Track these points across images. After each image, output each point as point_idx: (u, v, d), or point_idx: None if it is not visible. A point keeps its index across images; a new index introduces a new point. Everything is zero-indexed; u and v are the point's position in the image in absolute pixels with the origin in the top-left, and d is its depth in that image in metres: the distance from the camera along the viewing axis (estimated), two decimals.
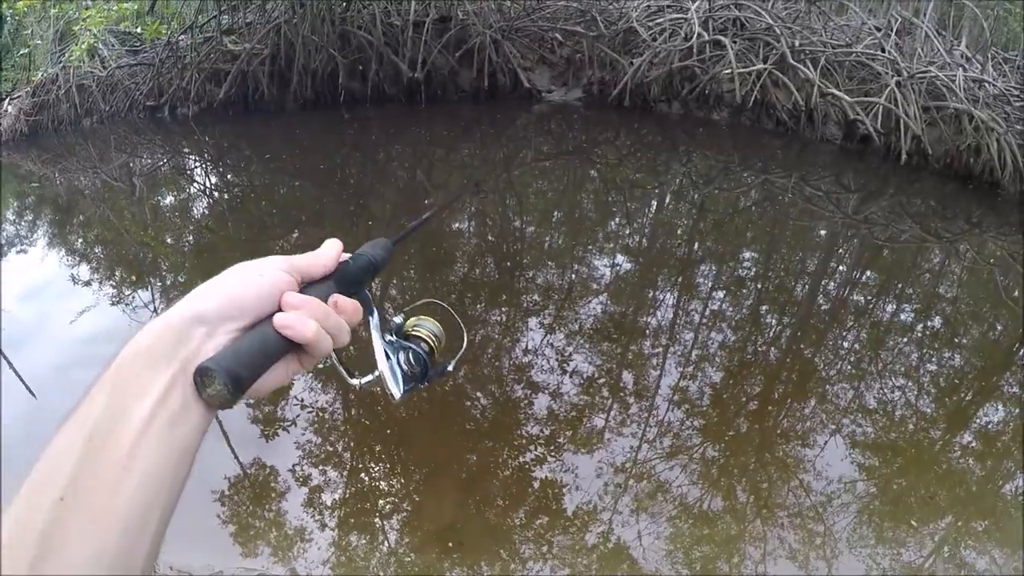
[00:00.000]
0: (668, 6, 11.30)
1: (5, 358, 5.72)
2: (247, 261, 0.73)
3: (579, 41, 11.71)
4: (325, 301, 0.73)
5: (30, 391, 5.33)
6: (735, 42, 9.70)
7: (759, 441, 3.80)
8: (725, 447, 3.79)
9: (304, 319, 0.68)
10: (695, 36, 9.97)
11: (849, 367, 4.56)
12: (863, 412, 4.03)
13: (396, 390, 0.81)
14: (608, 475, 3.65)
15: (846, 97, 8.46)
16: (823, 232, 6.87)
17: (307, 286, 0.74)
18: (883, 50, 8.99)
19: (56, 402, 5.12)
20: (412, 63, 11.82)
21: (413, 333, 0.87)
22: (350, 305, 0.76)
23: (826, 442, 3.75)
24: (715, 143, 9.52)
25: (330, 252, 0.79)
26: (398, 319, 0.88)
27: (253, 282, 0.70)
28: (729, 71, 9.38)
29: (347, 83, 12.46)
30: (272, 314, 0.69)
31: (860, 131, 8.45)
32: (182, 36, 13.28)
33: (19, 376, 5.57)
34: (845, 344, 4.88)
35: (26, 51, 16.69)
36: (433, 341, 0.87)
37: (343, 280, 0.78)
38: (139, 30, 14.68)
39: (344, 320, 0.74)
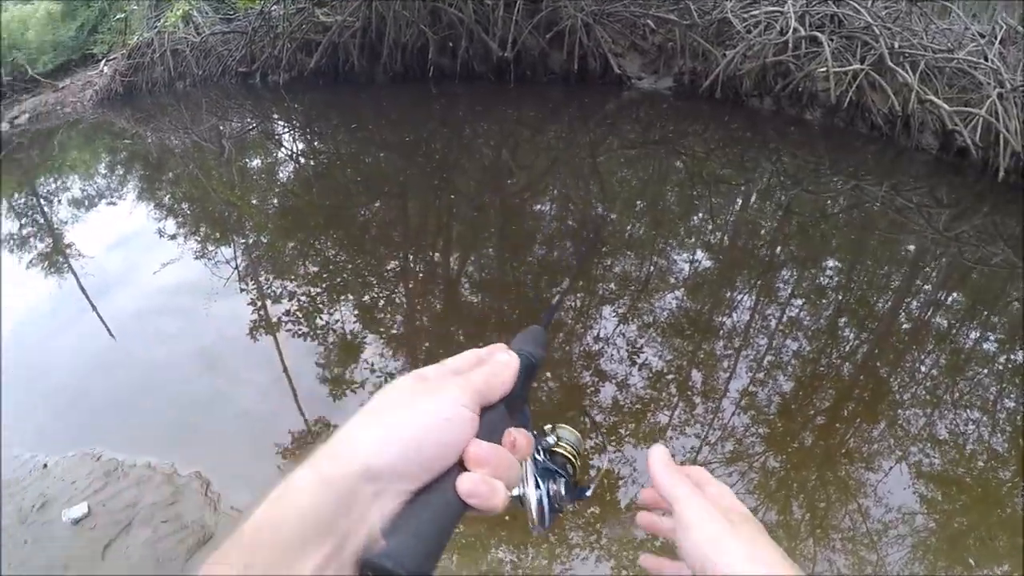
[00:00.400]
0: None
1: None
2: (418, 384, 0.61)
3: (671, 29, 11.55)
4: (501, 439, 0.62)
5: (110, 332, 5.65)
6: (832, 39, 9.41)
7: (822, 458, 3.72)
8: (787, 459, 3.73)
9: (494, 486, 0.57)
10: (791, 31, 9.72)
11: (924, 392, 4.40)
12: (933, 442, 3.90)
13: (542, 524, 0.69)
14: None
15: (945, 105, 8.10)
16: (911, 247, 6.58)
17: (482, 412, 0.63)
18: (986, 58, 8.57)
19: (133, 345, 5.45)
20: (502, 42, 11.84)
21: (557, 450, 0.76)
22: (524, 441, 0.64)
23: (891, 468, 3.64)
24: (806, 143, 9.26)
25: (510, 367, 0.66)
26: (550, 439, 0.76)
27: (437, 429, 0.57)
28: (824, 69, 9.11)
29: (437, 59, 12.56)
30: (451, 467, 0.58)
31: (957, 143, 8.04)
32: (275, 6, 13.59)
33: (101, 318, 5.92)
34: (922, 368, 4.70)
35: (123, 16, 17.35)
36: (575, 458, 0.76)
37: (511, 397, 0.67)
38: None
39: (518, 459, 0.63)
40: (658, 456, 0.78)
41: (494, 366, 0.65)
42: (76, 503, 3.81)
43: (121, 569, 3.37)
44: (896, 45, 8.90)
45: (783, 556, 0.68)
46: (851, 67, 9.02)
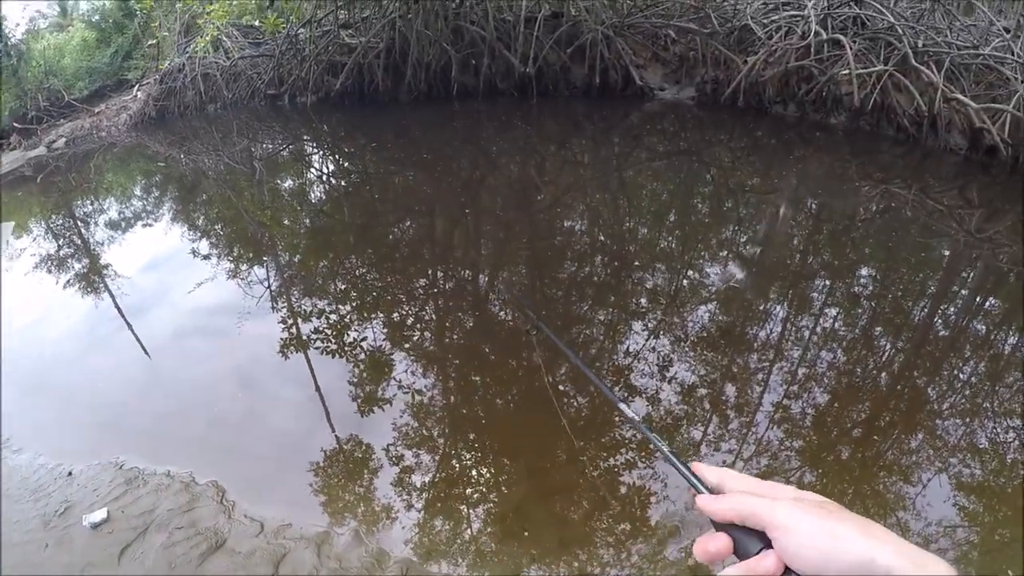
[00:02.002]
0: (785, 3, 11.02)
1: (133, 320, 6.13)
2: None
3: (693, 38, 11.57)
4: None
5: (146, 352, 5.81)
6: (855, 41, 9.36)
7: (859, 471, 3.67)
8: (823, 473, 3.69)
9: None
10: (812, 34, 9.70)
11: (963, 401, 4.30)
12: (973, 452, 3.81)
13: None
14: None
15: (972, 103, 7.99)
16: (944, 251, 6.48)
17: None
18: (1013, 53, 8.46)
19: (167, 364, 5.59)
20: (524, 58, 11.95)
21: None
22: None
23: (929, 480, 3.58)
24: (832, 148, 9.17)
25: None
26: None
27: None
28: (847, 72, 9.06)
29: (459, 77, 12.69)
30: None
31: (986, 141, 7.92)
32: (301, 29, 13.82)
33: (137, 338, 6.08)
34: (961, 376, 4.59)
35: (154, 42, 17.80)
36: None
37: None
38: (259, 23, 15.45)
39: None
40: (706, 499, 0.80)
41: None
42: (97, 509, 3.97)
43: (136, 572, 3.49)
44: (920, 44, 8.82)
45: (892, 533, 0.69)
46: (875, 68, 8.97)
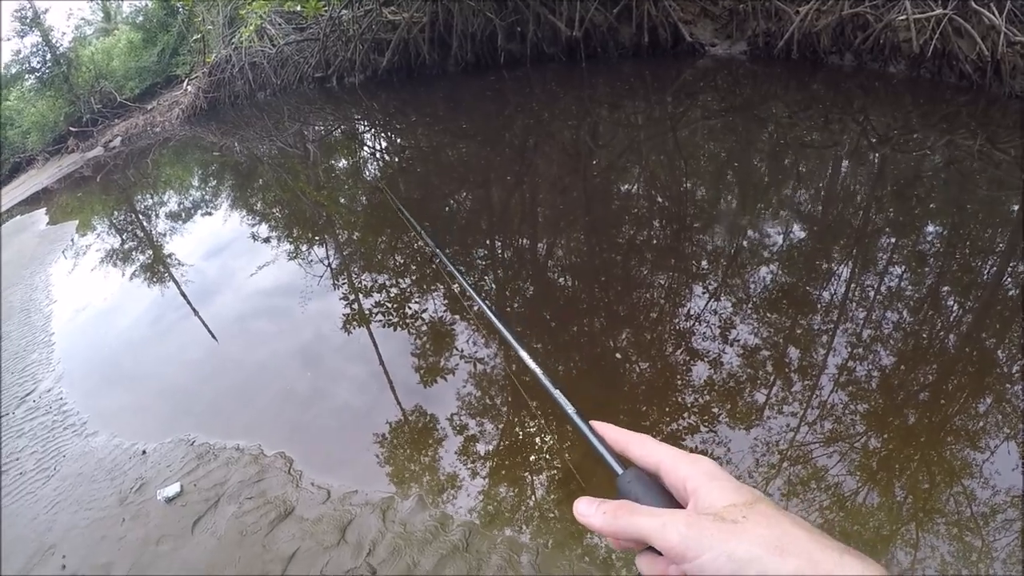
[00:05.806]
0: None
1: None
2: None
3: None
4: None
5: (212, 336, 6.10)
6: None
7: (926, 437, 3.59)
8: (888, 439, 3.60)
9: None
10: None
11: None
12: None
13: None
14: (762, 453, 3.61)
15: None
16: (1014, 205, 6.09)
17: None
18: None
19: (234, 346, 5.87)
20: (569, 21, 11.82)
21: None
22: None
23: (998, 447, 3.45)
24: (892, 99, 8.87)
25: None
26: None
27: None
28: (904, 17, 8.73)
29: (506, 45, 12.62)
30: None
31: None
32: (344, 11, 13.89)
33: (203, 322, 6.40)
34: None
35: (199, 36, 18.18)
36: None
37: None
38: (301, 8, 15.75)
39: None
40: (585, 509, 0.70)
41: None
42: (170, 484, 4.20)
43: (209, 542, 3.67)
44: None
45: (811, 532, 0.58)
46: (933, 12, 8.60)
